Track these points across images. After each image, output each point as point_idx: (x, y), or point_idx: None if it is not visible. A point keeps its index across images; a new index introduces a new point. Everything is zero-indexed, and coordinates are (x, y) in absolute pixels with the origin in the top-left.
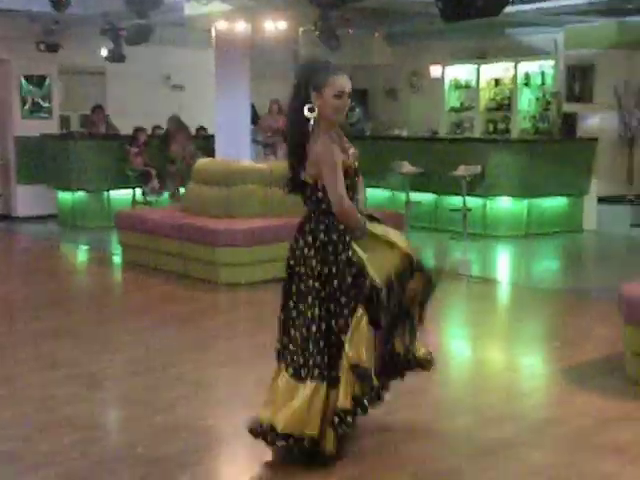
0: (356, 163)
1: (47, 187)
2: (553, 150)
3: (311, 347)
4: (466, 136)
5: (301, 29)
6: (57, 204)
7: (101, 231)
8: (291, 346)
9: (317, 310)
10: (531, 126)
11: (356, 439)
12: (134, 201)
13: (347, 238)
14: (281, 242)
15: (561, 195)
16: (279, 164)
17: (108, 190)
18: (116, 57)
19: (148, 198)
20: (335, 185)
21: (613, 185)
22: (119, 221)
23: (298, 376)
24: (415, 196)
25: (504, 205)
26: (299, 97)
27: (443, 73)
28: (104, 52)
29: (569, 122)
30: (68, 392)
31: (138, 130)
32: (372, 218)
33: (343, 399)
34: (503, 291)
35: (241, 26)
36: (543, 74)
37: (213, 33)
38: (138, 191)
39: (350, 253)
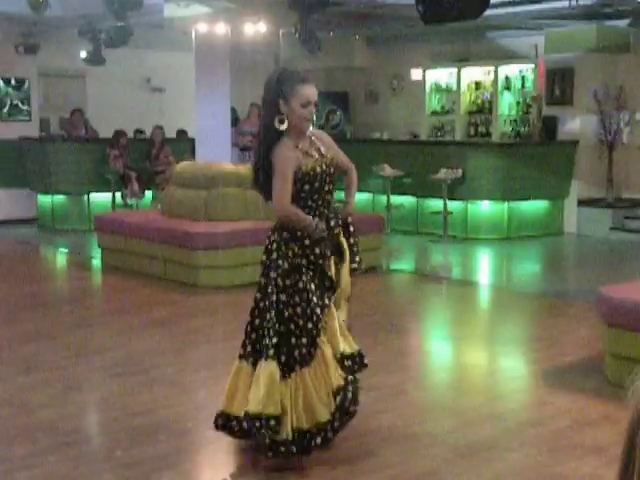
0: (322, 167)
1: (26, 190)
2: (533, 153)
3: (269, 331)
4: (447, 139)
5: (281, 32)
6: (37, 207)
7: (81, 234)
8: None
9: (275, 297)
10: (511, 129)
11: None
12: (114, 204)
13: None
14: (260, 245)
15: (541, 198)
16: None
17: (88, 193)
18: (95, 59)
19: (128, 201)
20: (276, 189)
21: (593, 188)
22: (99, 224)
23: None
24: (396, 199)
25: (485, 208)
26: (269, 110)
27: (424, 76)
28: (83, 54)
29: (549, 125)
30: (47, 395)
31: (119, 133)
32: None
33: (335, 377)
34: (484, 294)
35: (221, 28)
36: (523, 78)
37: (193, 35)
38: (118, 194)
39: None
